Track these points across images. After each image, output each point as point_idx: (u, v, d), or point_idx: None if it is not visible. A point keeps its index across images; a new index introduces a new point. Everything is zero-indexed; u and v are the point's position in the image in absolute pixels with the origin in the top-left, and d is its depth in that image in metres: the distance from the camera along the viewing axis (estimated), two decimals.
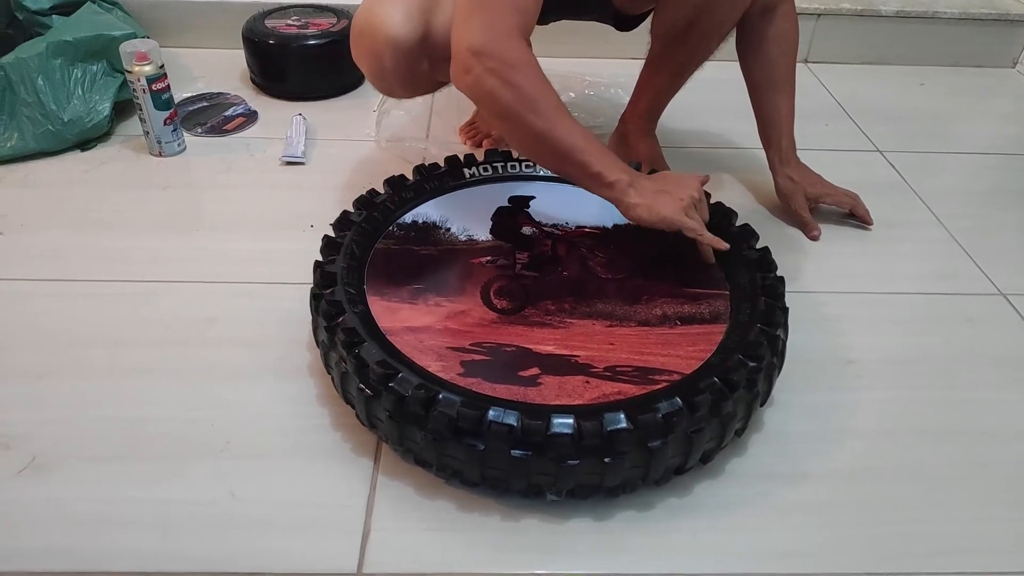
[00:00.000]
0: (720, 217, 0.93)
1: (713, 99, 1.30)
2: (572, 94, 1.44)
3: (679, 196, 0.83)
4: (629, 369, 0.74)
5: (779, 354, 0.77)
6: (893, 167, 1.27)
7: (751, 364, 0.72)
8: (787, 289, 0.81)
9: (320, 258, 0.83)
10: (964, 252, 1.07)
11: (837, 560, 0.67)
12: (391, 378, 0.68)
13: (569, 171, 0.84)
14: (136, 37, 1.21)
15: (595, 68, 1.51)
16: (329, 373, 0.78)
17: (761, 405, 0.76)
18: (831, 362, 0.88)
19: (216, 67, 1.47)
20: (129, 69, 1.13)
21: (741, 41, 1.08)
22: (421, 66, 0.95)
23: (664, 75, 1.11)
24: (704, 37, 1.03)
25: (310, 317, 0.80)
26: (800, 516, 0.71)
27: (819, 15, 1.57)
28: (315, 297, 0.79)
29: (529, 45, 0.82)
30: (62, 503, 0.69)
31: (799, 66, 1.52)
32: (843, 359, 0.88)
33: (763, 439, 0.78)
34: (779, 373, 0.78)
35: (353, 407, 0.75)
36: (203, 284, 0.95)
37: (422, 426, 0.67)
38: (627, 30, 1.16)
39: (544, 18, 1.15)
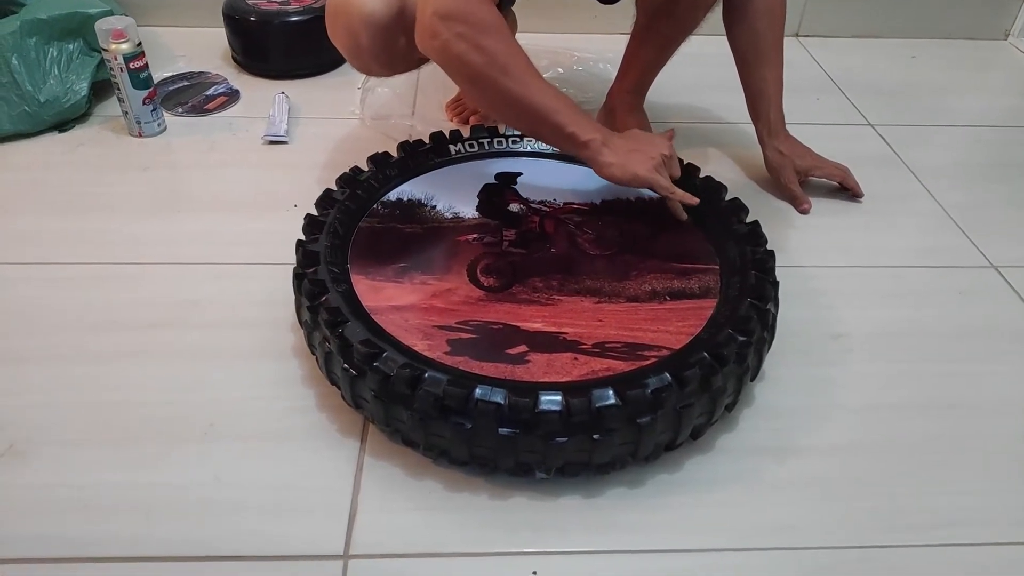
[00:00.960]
0: (710, 191, 0.92)
1: (700, 73, 1.28)
2: (560, 69, 1.42)
3: (651, 154, 0.84)
4: (618, 345, 0.73)
5: (769, 328, 0.76)
6: (884, 140, 1.26)
7: (741, 338, 0.71)
8: (777, 263, 0.80)
9: (303, 237, 0.81)
10: (956, 225, 1.06)
11: (832, 534, 0.67)
12: (376, 357, 0.67)
13: (543, 132, 0.85)
14: (112, 15, 1.18)
15: (583, 44, 1.49)
16: (313, 353, 0.76)
17: (751, 380, 0.75)
18: (821, 336, 0.87)
19: (196, 46, 1.44)
20: (105, 47, 1.10)
21: (728, 13, 1.06)
22: (398, 43, 0.92)
23: (650, 48, 1.09)
24: (690, 8, 1.01)
25: (294, 297, 0.79)
26: (793, 491, 0.70)
27: None
28: (297, 277, 0.77)
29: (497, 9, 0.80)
30: (42, 489, 0.68)
31: (789, 40, 1.51)
32: (833, 333, 0.88)
33: (754, 414, 0.77)
34: (769, 348, 0.77)
35: (338, 387, 0.73)
36: (186, 266, 0.93)
37: (408, 405, 0.66)
38: (611, 3, 1.14)
39: None
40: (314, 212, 0.85)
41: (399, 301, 0.77)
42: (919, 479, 0.72)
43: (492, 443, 0.66)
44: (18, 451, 0.71)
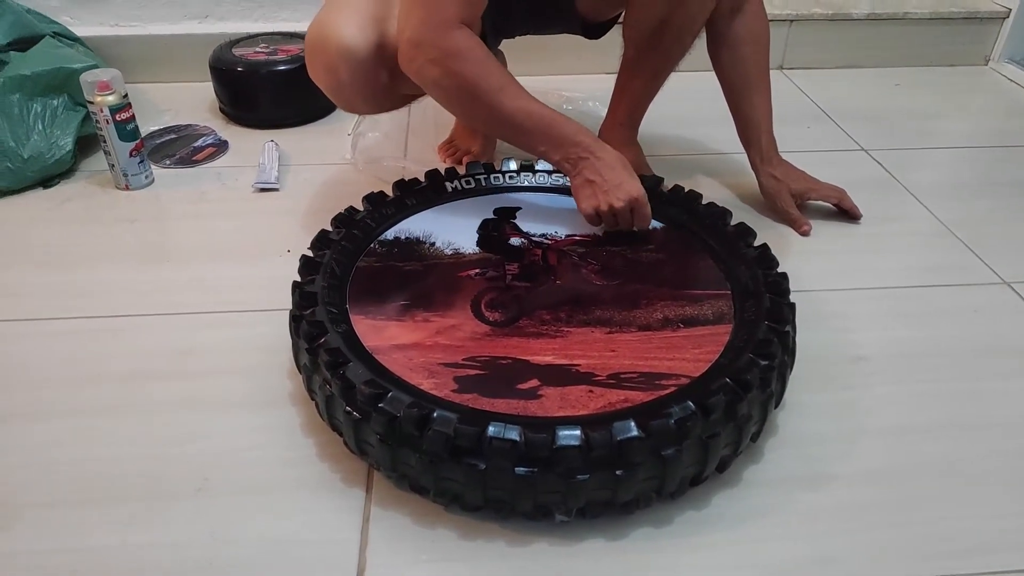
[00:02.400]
0: (715, 218, 0.90)
1: (691, 108, 1.28)
2: None
3: (600, 196, 0.86)
4: (634, 375, 0.70)
5: (790, 352, 0.73)
6: (880, 164, 1.25)
7: (763, 363, 0.67)
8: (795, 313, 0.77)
9: (299, 279, 0.78)
10: (962, 243, 1.05)
11: (875, 565, 0.62)
12: (380, 398, 0.63)
13: (522, 146, 0.89)
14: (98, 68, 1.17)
15: (570, 84, 1.49)
16: (313, 399, 0.72)
17: (775, 407, 0.72)
18: (840, 360, 0.84)
19: (183, 100, 1.43)
20: (91, 99, 1.08)
21: (712, 43, 1.06)
22: (379, 77, 0.91)
23: (641, 79, 1.09)
24: (678, 36, 1.01)
25: (290, 342, 0.75)
26: (828, 521, 0.66)
27: (791, 21, 1.57)
28: (295, 319, 0.74)
29: (473, 31, 0.84)
30: (24, 556, 0.62)
31: (775, 72, 1.51)
32: (852, 356, 0.85)
33: (779, 443, 0.74)
34: (791, 372, 0.74)
35: (340, 434, 0.69)
36: (175, 316, 0.89)
37: (417, 448, 0.62)
38: (596, 38, 1.14)
39: (509, 32, 1.12)
40: (309, 254, 0.82)
41: (402, 340, 0.73)
42: (959, 503, 0.68)
43: (508, 484, 0.61)
44: None
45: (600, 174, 0.86)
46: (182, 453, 0.72)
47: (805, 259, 1.01)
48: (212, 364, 0.82)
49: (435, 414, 0.62)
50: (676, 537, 0.65)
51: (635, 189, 0.86)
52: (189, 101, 1.43)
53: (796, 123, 1.37)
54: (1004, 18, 1.60)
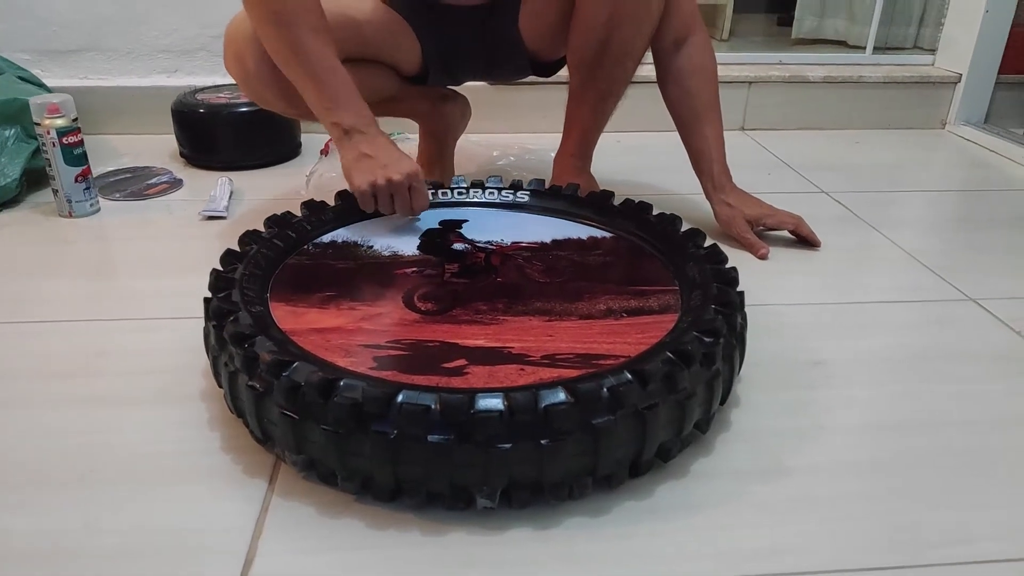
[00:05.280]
0: (666, 223, 0.87)
1: (647, 160, 1.31)
2: (512, 157, 1.42)
3: (377, 171, 0.84)
4: (571, 356, 0.65)
5: (738, 336, 0.68)
6: (841, 204, 1.24)
7: (707, 339, 0.62)
8: (744, 303, 0.73)
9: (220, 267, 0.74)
10: (925, 267, 1.01)
11: (830, 556, 0.55)
12: (284, 366, 0.57)
13: (307, 97, 0.87)
14: None
15: (533, 139, 1.51)
16: (220, 386, 0.66)
17: (724, 397, 0.66)
18: (799, 364, 0.79)
19: (144, 147, 1.42)
20: (38, 121, 1.07)
21: (660, 79, 1.07)
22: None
23: (587, 107, 1.08)
24: (619, 59, 1.01)
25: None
26: (785, 513, 0.59)
27: (750, 83, 1.61)
28: (206, 301, 0.69)
29: None
30: None
31: (736, 132, 1.54)
32: (811, 361, 0.79)
33: (731, 438, 0.67)
34: (742, 361, 0.69)
35: (244, 419, 0.63)
36: (95, 322, 0.84)
37: (321, 419, 0.56)
38: (549, 75, 1.15)
39: (460, 71, 1.13)
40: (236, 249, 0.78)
41: (322, 324, 0.68)
42: (913, 497, 0.61)
43: (421, 456, 0.55)
44: None
45: (377, 149, 0.86)
46: (71, 445, 0.64)
47: (762, 279, 0.97)
48: (126, 365, 0.76)
49: (342, 381, 0.56)
50: (613, 526, 0.57)
51: (414, 166, 0.86)
52: (151, 149, 1.42)
53: (756, 170, 1.37)
54: (956, 83, 1.65)
